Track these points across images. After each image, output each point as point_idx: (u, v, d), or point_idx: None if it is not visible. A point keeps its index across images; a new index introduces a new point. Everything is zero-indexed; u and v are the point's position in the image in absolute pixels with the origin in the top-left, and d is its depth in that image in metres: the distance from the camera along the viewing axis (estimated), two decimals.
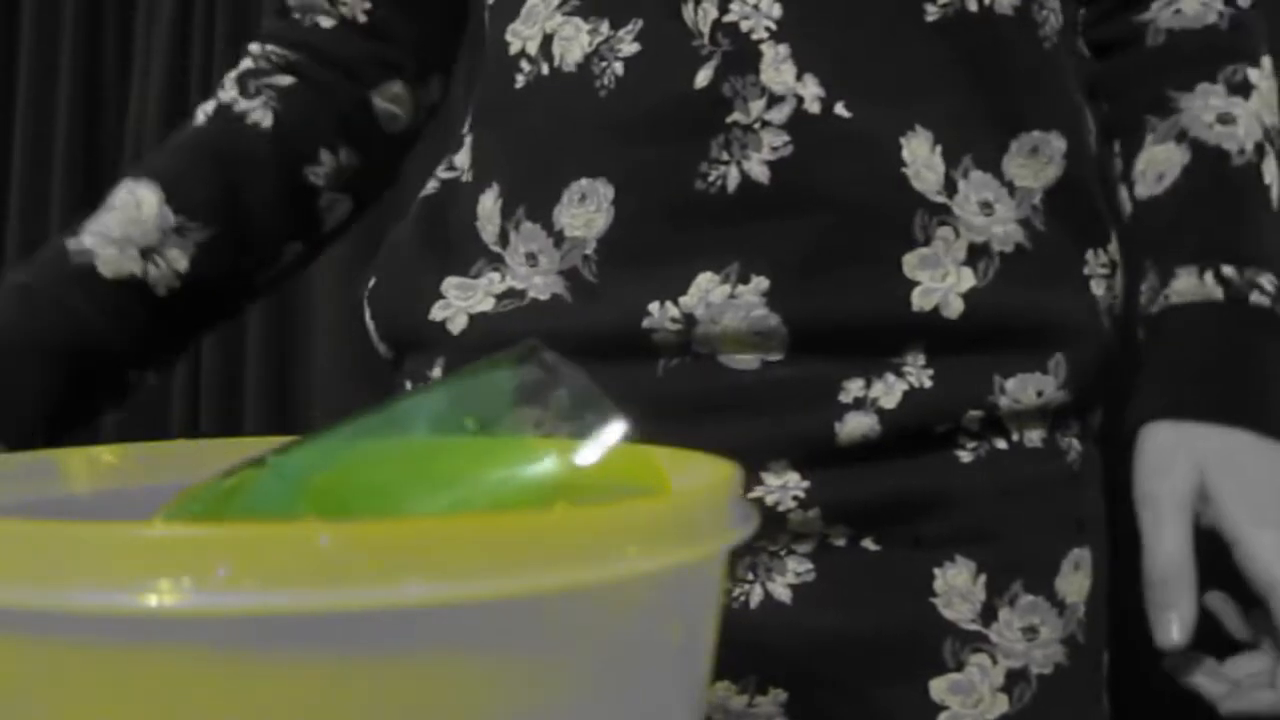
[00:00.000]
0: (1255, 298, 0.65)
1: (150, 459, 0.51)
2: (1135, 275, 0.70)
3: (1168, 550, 0.63)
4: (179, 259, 0.72)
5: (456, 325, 0.67)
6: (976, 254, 0.63)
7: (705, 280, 0.62)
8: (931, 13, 0.62)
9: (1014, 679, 0.63)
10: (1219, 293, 0.66)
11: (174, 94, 1.63)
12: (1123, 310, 0.70)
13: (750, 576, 0.64)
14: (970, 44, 0.63)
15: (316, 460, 0.44)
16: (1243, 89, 0.69)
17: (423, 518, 0.40)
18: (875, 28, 0.62)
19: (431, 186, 0.74)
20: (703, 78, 0.61)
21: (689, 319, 0.62)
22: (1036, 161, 0.65)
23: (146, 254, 0.71)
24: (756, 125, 0.61)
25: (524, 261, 0.66)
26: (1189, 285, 0.66)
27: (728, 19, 0.61)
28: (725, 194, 0.61)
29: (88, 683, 0.30)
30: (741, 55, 0.61)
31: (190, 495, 0.44)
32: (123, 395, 0.73)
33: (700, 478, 0.43)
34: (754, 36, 0.61)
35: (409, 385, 0.71)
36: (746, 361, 0.62)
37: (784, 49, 0.61)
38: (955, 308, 0.62)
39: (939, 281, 0.62)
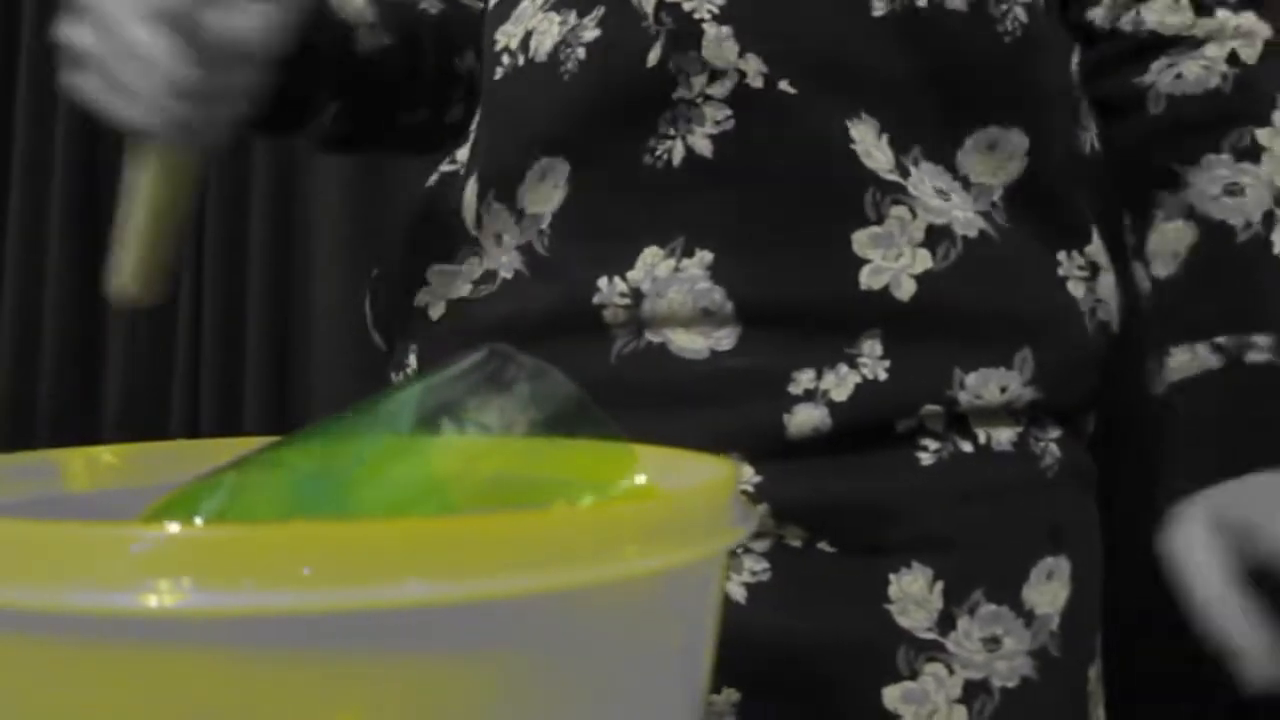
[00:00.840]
0: (1251, 356, 0.64)
1: (150, 459, 0.51)
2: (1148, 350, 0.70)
3: (1204, 592, 0.60)
4: (367, 44, 0.73)
5: (435, 312, 0.70)
6: (936, 236, 0.61)
7: (650, 255, 0.62)
8: (878, 8, 0.62)
9: (973, 690, 0.61)
10: (1214, 361, 0.65)
11: None
12: (1124, 316, 0.70)
13: None
14: (917, 39, 0.62)
15: (332, 460, 0.44)
16: (1251, 154, 0.66)
17: (423, 518, 0.40)
18: (819, 17, 0.62)
19: (432, 179, 0.76)
20: (652, 57, 0.63)
21: (636, 294, 0.62)
22: (995, 158, 0.64)
23: (354, 25, 0.72)
24: (699, 100, 0.62)
25: (494, 242, 0.68)
26: (1183, 360, 0.66)
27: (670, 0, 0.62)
28: (671, 168, 0.62)
29: (88, 683, 0.30)
30: (684, 33, 0.62)
31: (185, 495, 0.43)
32: (302, 111, 0.72)
33: (700, 478, 0.43)
34: (695, 15, 0.62)
35: (395, 377, 0.73)
36: (697, 350, 0.62)
37: (726, 29, 0.62)
38: (906, 289, 0.61)
39: (891, 261, 0.61)
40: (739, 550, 0.63)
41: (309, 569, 0.29)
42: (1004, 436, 0.63)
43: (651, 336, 0.63)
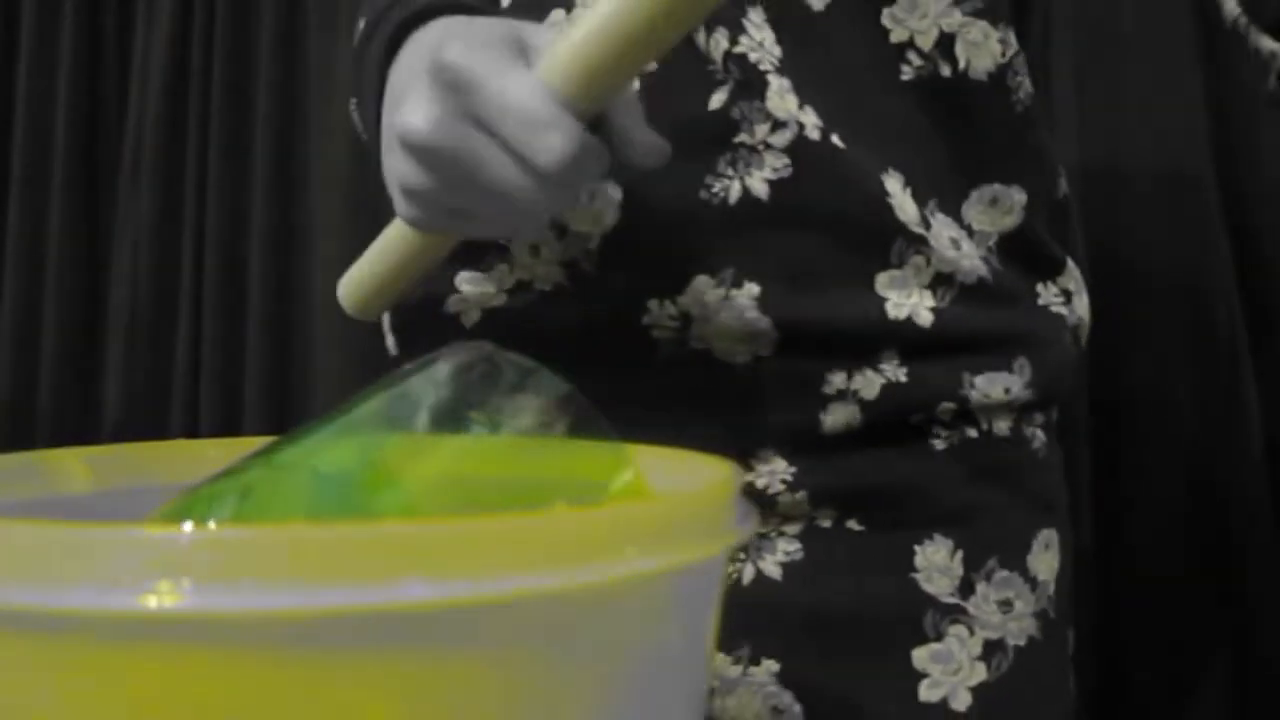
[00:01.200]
0: None
1: (150, 459, 0.51)
2: None
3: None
4: None
5: (469, 319, 0.70)
6: (939, 281, 0.68)
7: (701, 283, 0.66)
8: (906, 73, 0.67)
9: (991, 649, 0.67)
10: None
11: (174, 94, 1.63)
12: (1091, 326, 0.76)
13: (742, 556, 0.68)
14: (941, 103, 0.68)
15: (352, 459, 0.44)
16: None
17: (422, 518, 0.40)
18: (856, 76, 0.67)
19: None
20: (716, 100, 0.65)
21: (685, 317, 0.66)
22: (996, 211, 0.71)
23: None
24: (760, 147, 0.65)
25: (529, 253, 0.69)
26: None
27: (737, 50, 0.65)
28: (726, 205, 0.65)
29: (88, 683, 0.30)
30: (750, 83, 0.65)
31: (196, 498, 0.43)
32: None
33: (700, 478, 0.43)
34: (761, 68, 0.65)
35: None
36: (740, 354, 0.66)
37: (786, 82, 0.65)
38: (926, 319, 0.67)
39: (906, 299, 0.67)
40: (773, 534, 0.68)
41: (309, 569, 0.29)
42: (1003, 424, 0.70)
43: (695, 345, 0.67)
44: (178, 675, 0.30)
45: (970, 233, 0.70)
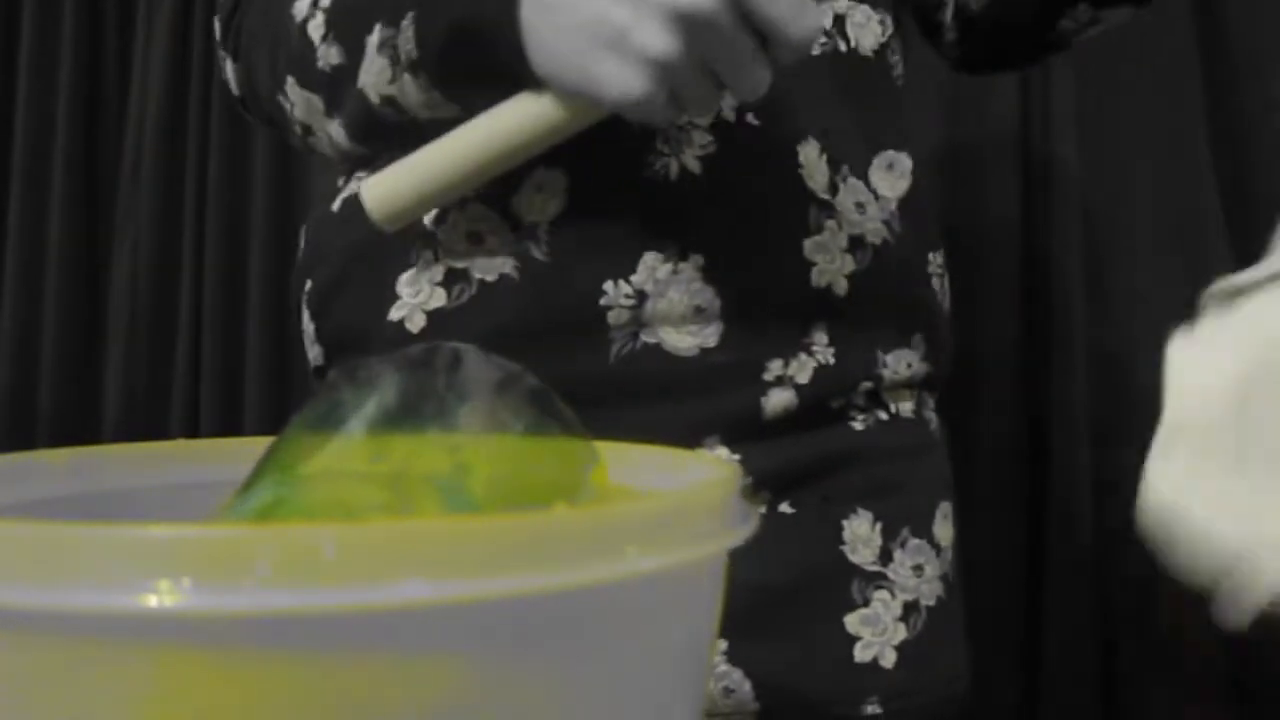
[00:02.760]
0: None
1: (150, 459, 0.51)
2: None
3: None
4: None
5: (414, 324, 0.72)
6: (855, 244, 0.74)
7: (651, 259, 0.70)
8: (815, 48, 0.73)
9: (909, 610, 0.74)
10: None
11: (174, 94, 1.63)
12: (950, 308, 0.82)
13: None
14: (840, 75, 0.75)
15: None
16: None
17: (423, 518, 0.40)
18: None
19: (354, 187, 0.77)
20: None
21: (640, 295, 0.70)
22: (892, 175, 0.78)
23: None
24: (686, 125, 0.71)
25: (463, 239, 0.71)
26: None
27: None
28: (668, 181, 0.70)
29: (88, 683, 0.30)
30: None
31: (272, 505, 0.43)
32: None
33: (700, 478, 0.43)
34: None
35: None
36: (688, 349, 0.71)
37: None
38: (842, 287, 0.73)
39: (830, 264, 0.73)
40: None
41: (309, 569, 0.29)
42: (906, 407, 0.78)
43: (647, 338, 0.71)
44: (178, 675, 0.30)
45: (876, 196, 0.76)
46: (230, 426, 1.56)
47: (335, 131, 0.72)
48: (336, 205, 0.78)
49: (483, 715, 0.32)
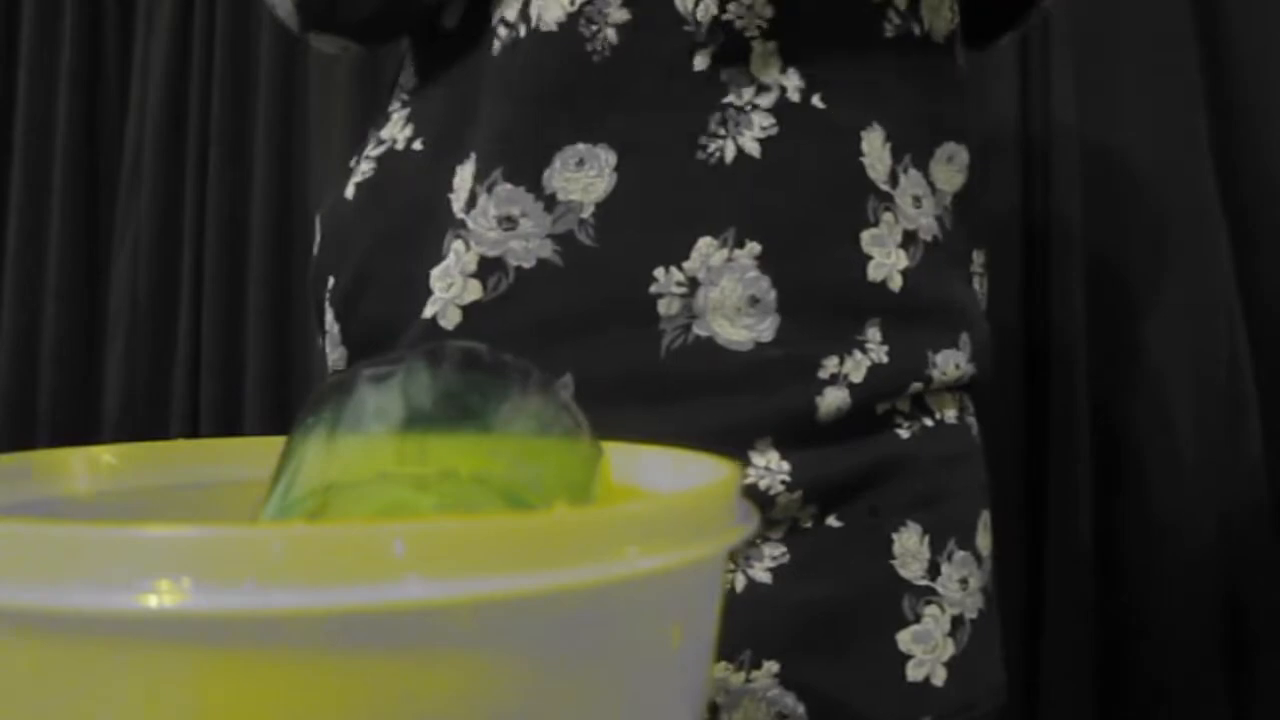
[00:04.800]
0: None
1: (150, 459, 0.51)
2: None
3: None
4: None
5: (449, 320, 0.68)
6: (908, 239, 0.71)
7: (705, 245, 0.67)
8: (889, 30, 0.71)
9: (956, 624, 0.72)
10: None
11: (174, 94, 1.63)
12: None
13: (732, 566, 0.69)
14: (911, 61, 0.72)
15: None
16: None
17: (423, 518, 0.40)
18: (847, 35, 0.70)
19: (367, 169, 0.74)
20: (699, 62, 0.67)
21: (692, 282, 0.67)
22: (951, 168, 0.75)
23: None
24: (748, 108, 0.68)
25: (495, 225, 0.67)
26: None
27: (725, 17, 0.67)
28: (724, 164, 0.67)
29: (88, 683, 0.30)
30: (734, 48, 0.67)
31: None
32: None
33: (700, 478, 0.43)
34: (747, 34, 0.67)
35: None
36: (742, 342, 0.67)
37: (772, 45, 0.68)
38: (896, 283, 0.70)
39: (886, 259, 0.70)
40: (758, 541, 0.69)
41: (309, 569, 0.29)
42: (950, 413, 0.74)
43: (699, 330, 0.67)
44: (178, 675, 0.30)
45: (933, 189, 0.73)
46: (230, 426, 1.56)
47: None
48: (350, 192, 0.74)
49: (483, 714, 0.32)
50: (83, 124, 1.68)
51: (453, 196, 0.69)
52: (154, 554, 0.29)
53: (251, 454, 0.51)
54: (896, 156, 0.71)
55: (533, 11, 0.67)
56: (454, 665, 0.31)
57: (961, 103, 0.76)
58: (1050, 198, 1.32)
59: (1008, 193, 1.33)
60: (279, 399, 1.57)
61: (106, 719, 0.30)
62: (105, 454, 0.50)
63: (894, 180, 0.71)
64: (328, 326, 0.75)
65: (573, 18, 0.66)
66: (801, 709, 0.68)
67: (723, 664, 0.67)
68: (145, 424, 1.61)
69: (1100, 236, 1.31)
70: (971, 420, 0.77)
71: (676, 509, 0.36)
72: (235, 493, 0.49)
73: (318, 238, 0.78)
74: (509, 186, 0.67)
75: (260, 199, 1.58)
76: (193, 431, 1.58)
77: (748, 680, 0.67)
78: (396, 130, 0.73)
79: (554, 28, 0.67)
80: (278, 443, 0.47)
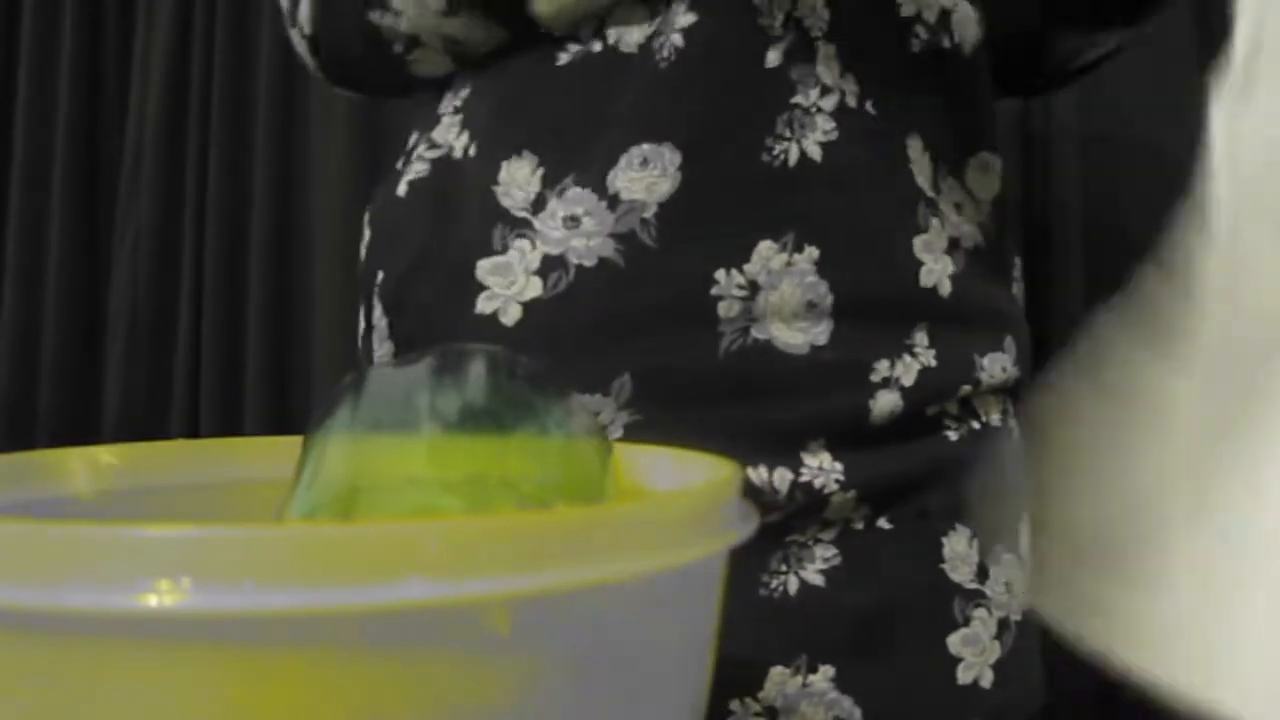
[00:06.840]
0: None
1: (150, 459, 0.51)
2: None
3: None
4: None
5: (509, 317, 0.68)
6: (953, 246, 0.72)
7: (765, 248, 0.67)
8: (915, 45, 0.72)
9: (1003, 627, 0.72)
10: None
11: (174, 94, 1.63)
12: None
13: (784, 568, 0.69)
14: (942, 73, 0.73)
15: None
16: None
17: (423, 518, 0.40)
18: (885, 45, 0.71)
19: (420, 170, 0.74)
20: (773, 58, 0.68)
21: (752, 286, 0.67)
22: (986, 177, 0.76)
23: None
24: (813, 109, 0.68)
25: (560, 225, 0.68)
26: None
27: (796, 13, 0.68)
28: (787, 168, 0.68)
29: (88, 683, 0.30)
30: (804, 45, 0.68)
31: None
32: None
33: (700, 478, 0.43)
34: (813, 33, 0.69)
35: None
36: (798, 345, 0.68)
37: (832, 48, 0.69)
38: (945, 288, 0.71)
39: (935, 264, 0.71)
40: (810, 542, 0.69)
41: (309, 569, 0.29)
42: (995, 417, 0.74)
43: (758, 333, 0.68)
44: (178, 675, 0.30)
45: (972, 197, 0.74)
46: (230, 426, 1.56)
47: (456, 27, 0.70)
48: (402, 190, 0.74)
49: (483, 714, 0.32)
50: (83, 124, 1.68)
51: (505, 192, 0.69)
52: (154, 554, 0.29)
53: (252, 454, 0.51)
54: (935, 165, 0.72)
55: (610, 33, 0.69)
56: (454, 665, 0.31)
57: (990, 111, 0.77)
58: (1050, 194, 1.32)
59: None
60: (279, 399, 1.56)
61: (106, 719, 0.30)
62: (105, 454, 0.50)
63: (937, 187, 0.72)
64: (375, 321, 0.75)
65: (650, 39, 0.68)
66: (859, 713, 0.68)
67: (779, 668, 0.67)
68: (145, 424, 1.60)
69: (1100, 233, 1.31)
70: (1014, 423, 0.77)
71: (676, 509, 0.36)
72: (235, 493, 0.49)
73: (366, 235, 0.78)
74: (577, 190, 0.68)
75: (260, 199, 1.58)
76: (193, 431, 1.57)
77: (804, 685, 0.68)
78: (452, 136, 0.73)
79: (634, 49, 0.68)
80: (278, 443, 0.47)
